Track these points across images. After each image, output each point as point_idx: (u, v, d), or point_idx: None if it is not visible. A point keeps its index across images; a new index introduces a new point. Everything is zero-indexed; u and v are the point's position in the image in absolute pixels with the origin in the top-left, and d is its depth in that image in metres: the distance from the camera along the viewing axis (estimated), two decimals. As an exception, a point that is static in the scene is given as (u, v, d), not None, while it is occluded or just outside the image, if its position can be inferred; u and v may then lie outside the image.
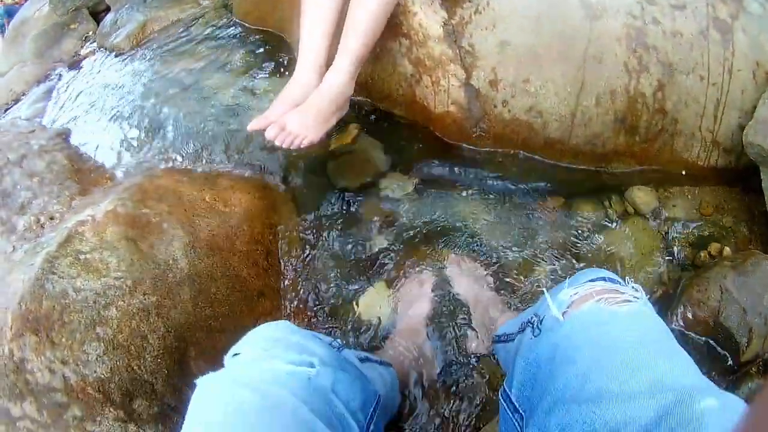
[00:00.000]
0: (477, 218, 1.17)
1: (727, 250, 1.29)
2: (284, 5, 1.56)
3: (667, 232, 1.23)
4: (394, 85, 1.28)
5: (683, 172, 1.37)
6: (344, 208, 1.20)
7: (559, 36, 1.24)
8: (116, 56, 1.80)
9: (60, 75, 1.90)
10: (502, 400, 0.67)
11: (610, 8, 1.30)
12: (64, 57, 1.94)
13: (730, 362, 1.09)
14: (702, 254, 1.24)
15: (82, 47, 1.98)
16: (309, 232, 1.19)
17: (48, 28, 2.31)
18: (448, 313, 1.05)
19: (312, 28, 1.21)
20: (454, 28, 1.24)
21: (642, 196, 1.26)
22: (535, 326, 0.65)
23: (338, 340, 0.73)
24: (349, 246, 1.15)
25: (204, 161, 1.33)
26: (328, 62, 1.18)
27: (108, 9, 2.28)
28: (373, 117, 1.30)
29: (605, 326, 0.55)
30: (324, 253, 1.15)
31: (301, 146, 1.09)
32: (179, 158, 1.37)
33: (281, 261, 1.16)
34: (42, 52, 2.17)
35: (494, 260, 1.13)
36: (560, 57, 1.23)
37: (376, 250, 1.14)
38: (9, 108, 2.07)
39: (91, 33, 2.13)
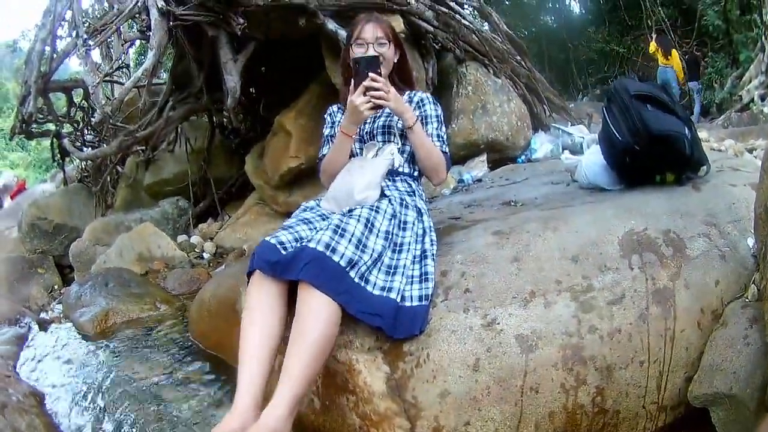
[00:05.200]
0: None
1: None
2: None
3: None
4: (345, 435, 1.38)
5: (632, 445, 1.46)
6: None
7: (497, 378, 1.31)
8: (82, 337, 1.90)
9: (30, 327, 2.01)
10: None
11: (546, 335, 1.36)
12: (33, 306, 2.03)
13: None
14: None
15: (48, 303, 2.07)
16: None
17: (17, 259, 2.40)
18: None
19: (250, 365, 1.30)
20: (397, 382, 1.32)
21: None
22: None
23: None
24: None
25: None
26: (267, 394, 1.26)
27: (71, 267, 2.42)
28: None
29: None
30: None
31: None
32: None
33: None
34: (11, 284, 2.23)
35: None
36: (497, 398, 1.31)
37: None
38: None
39: (56, 287, 2.22)
